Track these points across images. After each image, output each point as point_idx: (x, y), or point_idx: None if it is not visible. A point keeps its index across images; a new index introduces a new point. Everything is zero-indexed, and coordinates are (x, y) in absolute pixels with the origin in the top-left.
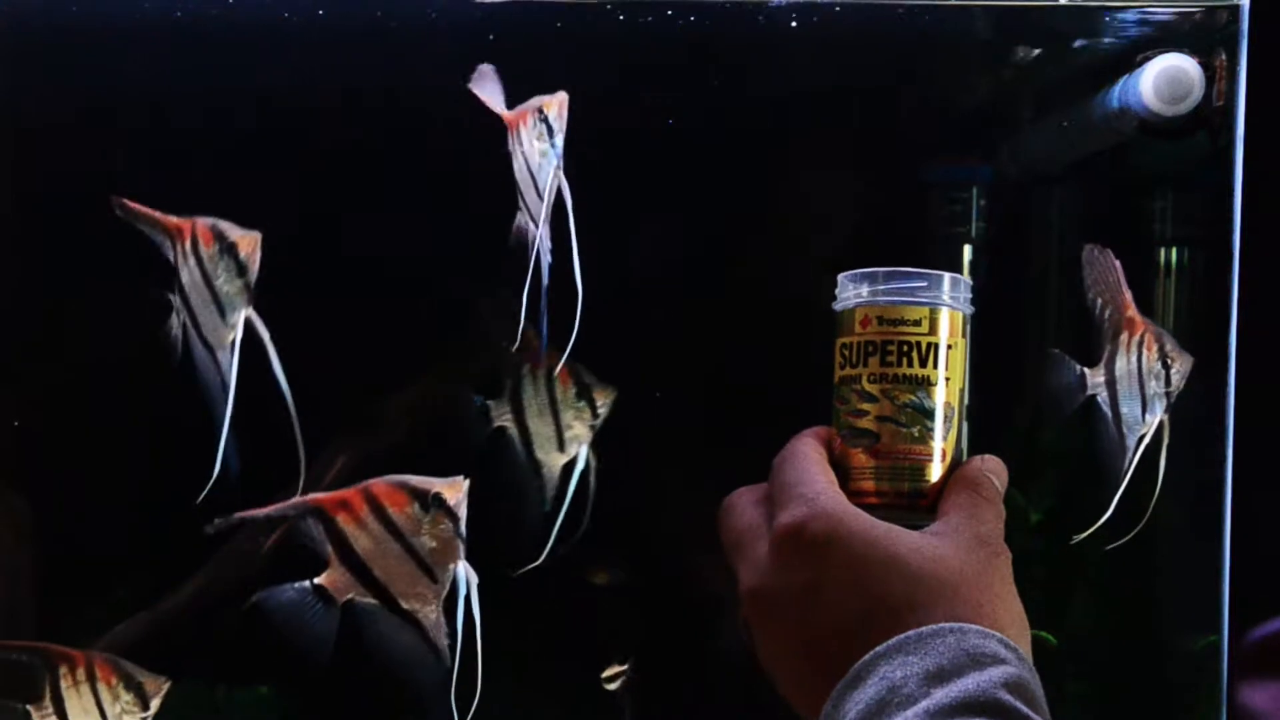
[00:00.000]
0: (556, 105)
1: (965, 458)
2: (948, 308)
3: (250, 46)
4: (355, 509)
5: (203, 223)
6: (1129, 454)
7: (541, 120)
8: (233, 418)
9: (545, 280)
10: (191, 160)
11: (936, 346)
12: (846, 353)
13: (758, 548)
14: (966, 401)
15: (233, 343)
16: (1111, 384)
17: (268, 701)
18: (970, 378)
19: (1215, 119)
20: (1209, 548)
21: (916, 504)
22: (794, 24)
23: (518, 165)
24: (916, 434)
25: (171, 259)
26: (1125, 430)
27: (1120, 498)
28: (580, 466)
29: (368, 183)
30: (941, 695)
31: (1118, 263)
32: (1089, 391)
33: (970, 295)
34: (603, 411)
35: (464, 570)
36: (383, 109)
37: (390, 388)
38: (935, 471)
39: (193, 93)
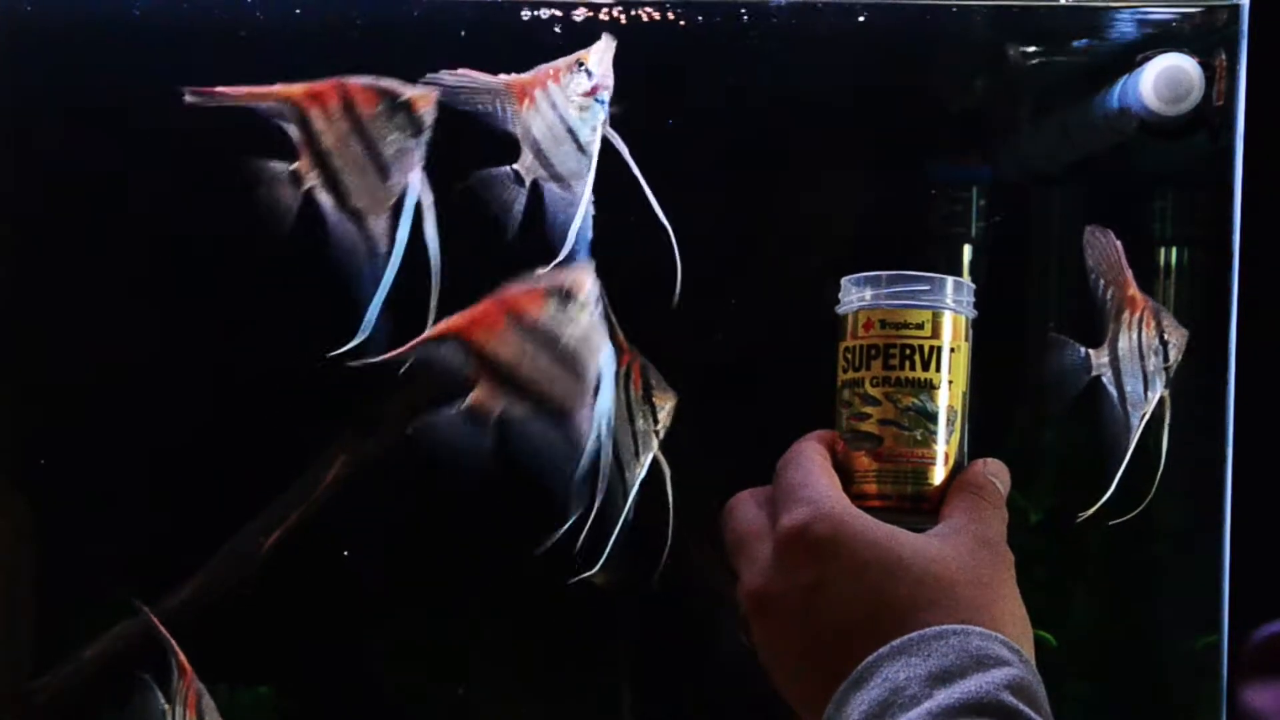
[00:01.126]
0: (598, 53)
1: (968, 460)
2: (950, 311)
3: (250, 46)
4: (494, 322)
5: (356, 82)
6: (1134, 432)
7: (582, 71)
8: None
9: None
10: (191, 160)
11: (939, 350)
12: (849, 356)
13: (761, 549)
14: (969, 404)
15: (394, 206)
16: (1115, 363)
17: (268, 701)
18: (972, 379)
19: (1215, 119)
20: (1209, 547)
21: (919, 507)
22: (795, 23)
23: (543, 127)
24: (919, 437)
25: (294, 129)
26: (1130, 409)
27: (1125, 478)
28: (641, 473)
29: None
30: (944, 697)
31: (1119, 243)
32: (1094, 373)
33: (973, 299)
34: (663, 418)
35: (606, 354)
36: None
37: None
38: (938, 474)
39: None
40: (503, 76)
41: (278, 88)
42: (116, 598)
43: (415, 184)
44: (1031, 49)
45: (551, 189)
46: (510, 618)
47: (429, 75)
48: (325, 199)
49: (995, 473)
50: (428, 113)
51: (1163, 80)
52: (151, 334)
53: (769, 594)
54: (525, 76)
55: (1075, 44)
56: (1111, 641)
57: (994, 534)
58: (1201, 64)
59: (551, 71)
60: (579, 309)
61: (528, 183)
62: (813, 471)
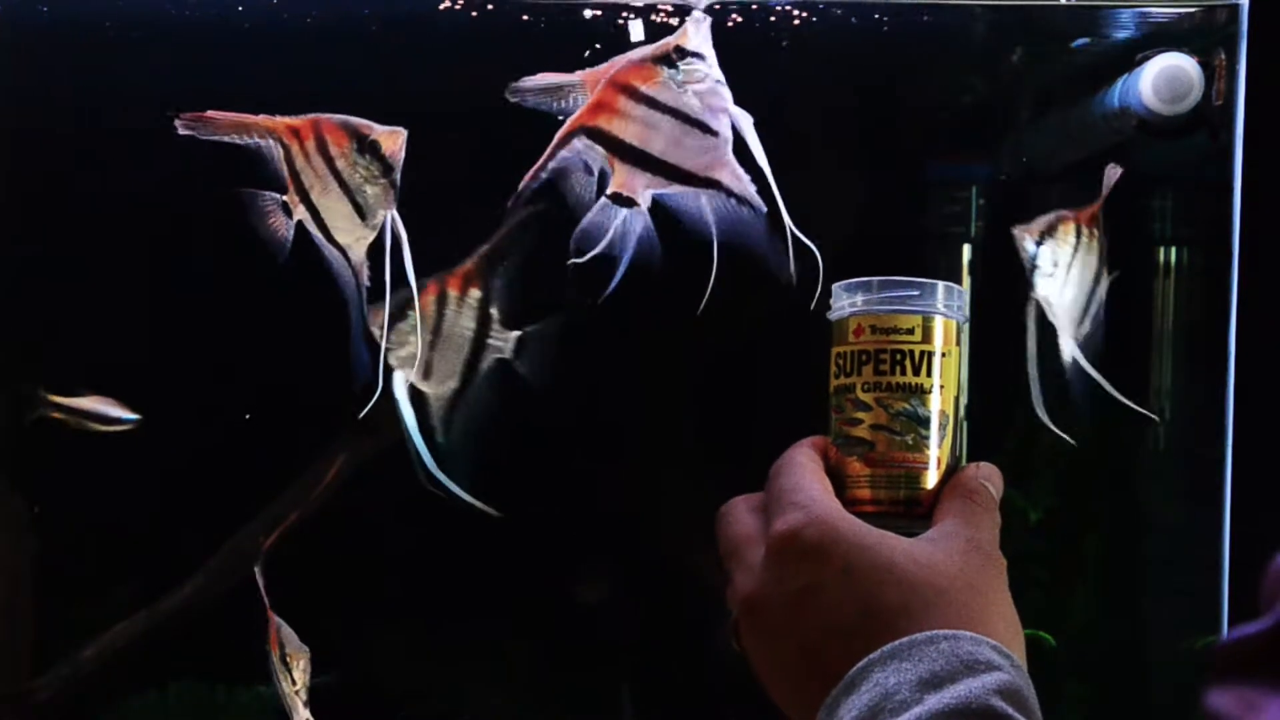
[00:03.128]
0: (693, 31)
1: (964, 464)
2: (941, 316)
3: (250, 47)
4: (612, 105)
5: (329, 120)
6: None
7: (682, 58)
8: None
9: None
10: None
11: (930, 355)
12: (841, 362)
13: (753, 554)
14: (964, 409)
15: (371, 246)
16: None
17: (268, 701)
18: (968, 382)
19: (1215, 119)
20: (1209, 548)
21: (912, 511)
22: (796, 23)
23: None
24: (911, 442)
25: (281, 161)
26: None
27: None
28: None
29: None
30: (935, 701)
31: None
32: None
33: (964, 303)
34: None
35: (736, 111)
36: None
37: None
38: (930, 479)
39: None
40: (578, 73)
41: (262, 119)
42: (116, 597)
43: (387, 223)
44: (1031, 49)
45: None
46: (510, 618)
47: (511, 85)
48: (313, 230)
49: (988, 477)
50: (396, 152)
51: (1162, 80)
52: (152, 334)
53: (761, 599)
54: (618, 71)
55: (1075, 44)
56: (1111, 641)
57: (986, 538)
58: (1201, 63)
59: (636, 72)
60: (691, 64)
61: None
62: (805, 477)
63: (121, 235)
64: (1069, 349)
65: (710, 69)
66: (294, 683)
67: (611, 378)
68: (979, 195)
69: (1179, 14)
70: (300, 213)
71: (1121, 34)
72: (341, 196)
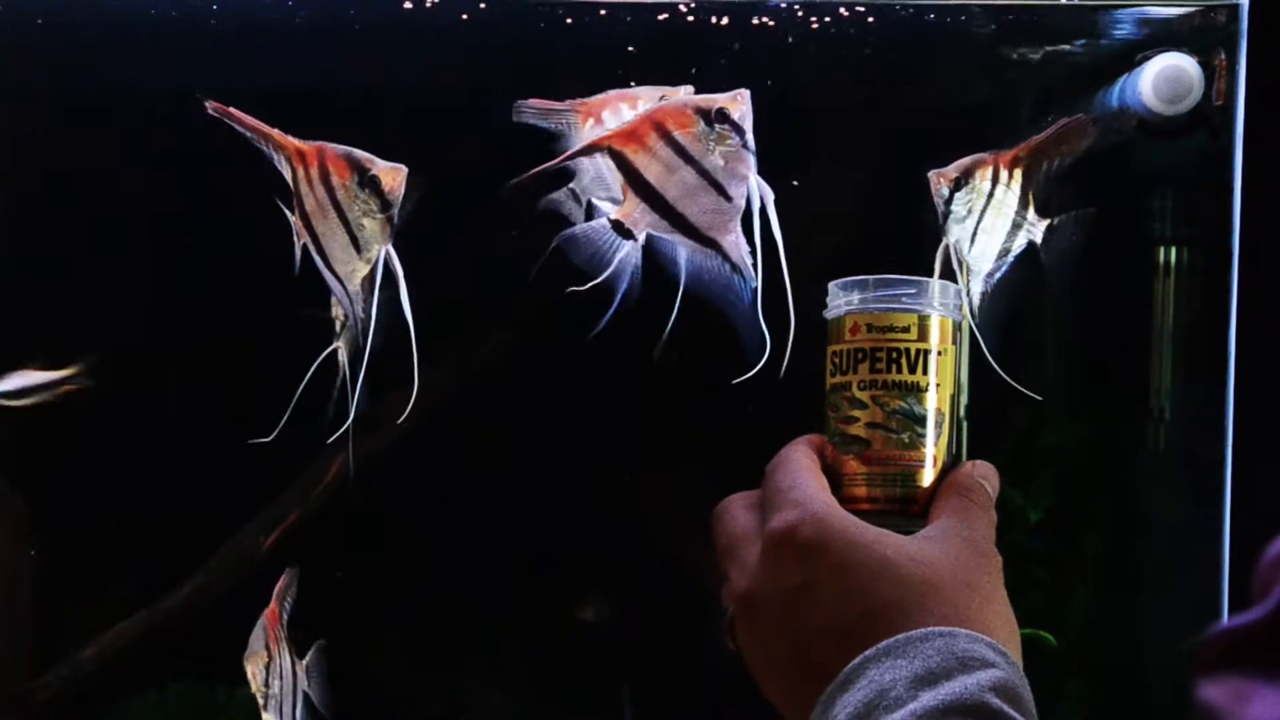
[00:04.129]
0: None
1: (962, 461)
2: (937, 314)
3: (250, 46)
4: (642, 138)
5: (333, 151)
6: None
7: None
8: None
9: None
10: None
11: (926, 353)
12: (837, 360)
13: (750, 552)
14: (962, 406)
15: (366, 278)
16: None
17: None
18: (967, 381)
19: (1215, 119)
20: (1209, 547)
21: (908, 509)
22: (794, 23)
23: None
24: (907, 440)
25: (290, 179)
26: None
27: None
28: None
29: None
30: (929, 698)
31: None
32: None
33: (960, 301)
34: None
35: (756, 184)
36: (388, 107)
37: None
38: (926, 477)
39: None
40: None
41: (276, 134)
42: (116, 597)
43: (382, 258)
44: (1031, 49)
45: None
46: (510, 617)
47: (516, 104)
48: (315, 257)
49: (984, 475)
50: (396, 189)
51: (1162, 80)
52: (152, 334)
53: (757, 596)
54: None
55: (1075, 44)
56: (1111, 641)
57: (982, 536)
58: (1201, 64)
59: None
60: (728, 132)
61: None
62: (801, 475)
63: (121, 235)
64: (977, 294)
65: (744, 139)
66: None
67: (611, 377)
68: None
69: (1179, 14)
70: (304, 237)
71: (1121, 34)
72: (340, 226)
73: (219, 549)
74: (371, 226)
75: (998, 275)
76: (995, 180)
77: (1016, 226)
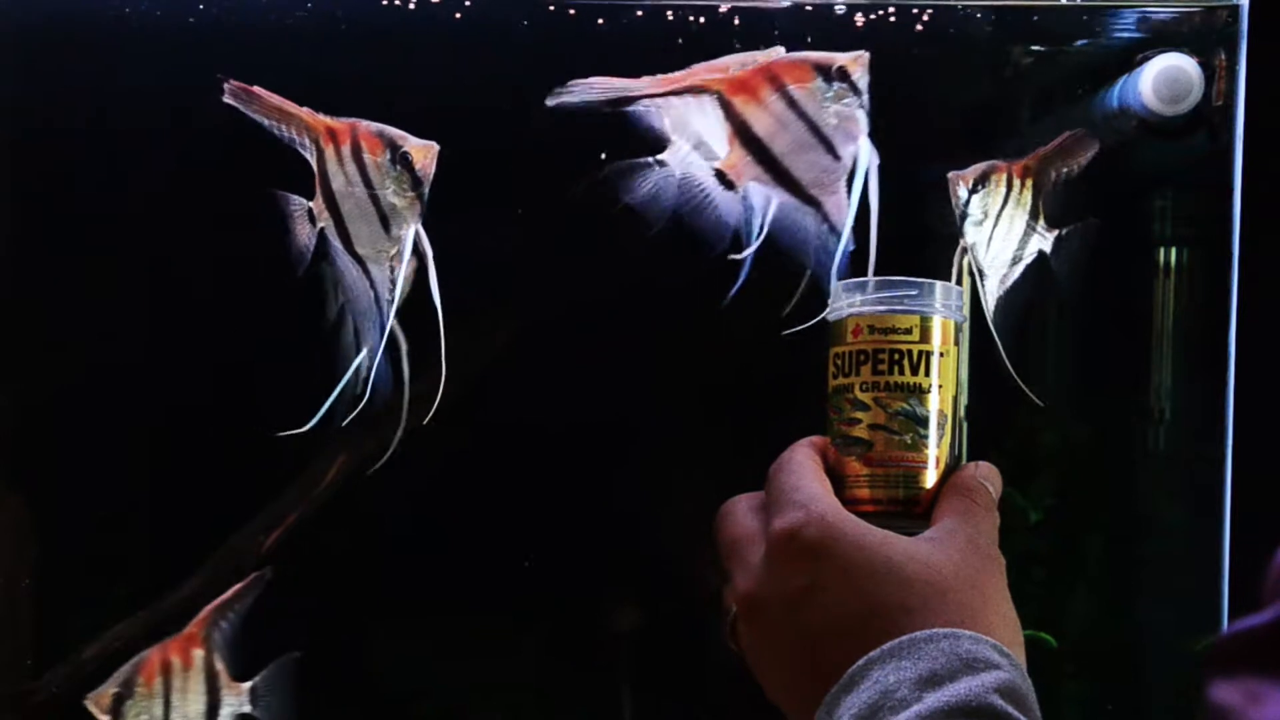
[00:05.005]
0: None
1: (964, 463)
2: (939, 315)
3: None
4: (755, 89)
5: (367, 128)
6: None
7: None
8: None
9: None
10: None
11: (928, 354)
12: (839, 362)
13: (753, 553)
14: (964, 408)
15: (394, 256)
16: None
17: None
18: (969, 382)
19: (1215, 119)
20: (1209, 547)
21: (911, 511)
22: (794, 24)
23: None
24: (909, 441)
25: (313, 162)
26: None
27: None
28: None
29: None
30: (934, 699)
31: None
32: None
33: (962, 303)
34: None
35: (865, 146)
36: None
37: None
38: (929, 478)
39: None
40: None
41: (305, 112)
42: (116, 597)
43: (410, 238)
44: (1031, 49)
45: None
46: (510, 617)
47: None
48: (334, 239)
49: (986, 476)
50: (427, 166)
51: (1162, 80)
52: (152, 334)
53: (760, 597)
54: (739, 72)
55: (1075, 44)
56: (1111, 641)
57: (985, 537)
58: (1201, 64)
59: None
60: (845, 91)
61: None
62: (804, 476)
63: (122, 235)
64: (992, 299)
65: (860, 99)
66: None
67: (611, 377)
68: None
69: (1179, 14)
70: (324, 219)
71: (1121, 34)
72: (370, 204)
73: (219, 549)
74: (402, 204)
75: (1010, 281)
76: (1009, 186)
77: (1028, 234)
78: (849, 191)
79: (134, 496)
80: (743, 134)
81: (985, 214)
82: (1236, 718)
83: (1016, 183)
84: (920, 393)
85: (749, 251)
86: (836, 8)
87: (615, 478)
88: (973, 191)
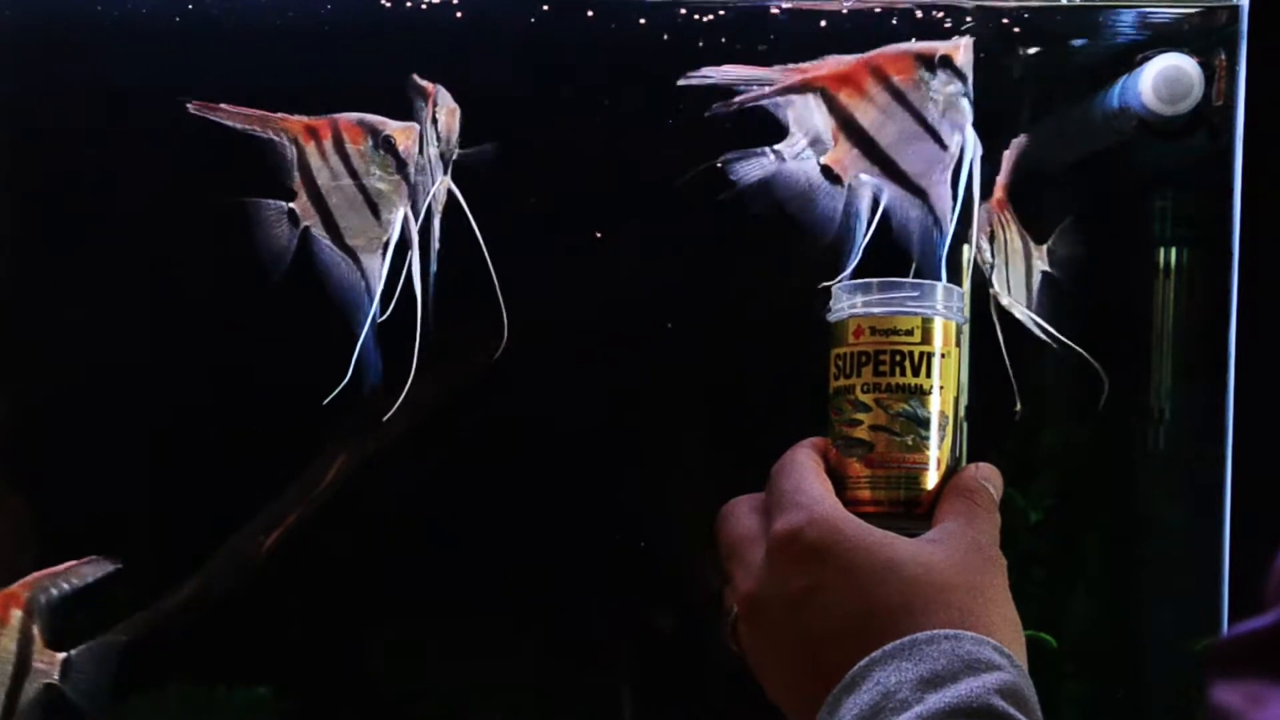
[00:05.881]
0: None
1: (964, 464)
2: (940, 317)
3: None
4: (859, 82)
5: (346, 119)
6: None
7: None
8: (369, 322)
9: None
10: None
11: (929, 356)
12: (840, 363)
13: (754, 554)
14: (964, 409)
15: (386, 243)
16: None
17: (267, 701)
18: (969, 384)
19: (1215, 119)
20: (1209, 547)
21: (912, 512)
22: (793, 23)
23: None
24: (910, 443)
25: (293, 162)
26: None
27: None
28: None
29: None
30: (935, 700)
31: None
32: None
33: (963, 304)
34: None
35: (971, 135)
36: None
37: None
38: (930, 479)
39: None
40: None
41: (278, 116)
42: (116, 597)
43: (398, 222)
44: (1031, 49)
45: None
46: (510, 617)
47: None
48: (321, 236)
49: (988, 477)
50: (410, 147)
51: (1162, 80)
52: (152, 334)
53: (762, 598)
54: (845, 65)
55: (1075, 44)
56: (1111, 641)
57: (986, 538)
58: (1201, 64)
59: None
60: (949, 79)
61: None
62: (806, 477)
63: (122, 235)
64: (1026, 318)
65: (965, 87)
66: None
67: (612, 376)
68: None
69: (1179, 14)
70: (310, 217)
71: (1121, 34)
72: (357, 193)
73: (219, 549)
74: (388, 189)
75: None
76: (1003, 226)
77: (1029, 263)
78: (954, 182)
79: (134, 496)
80: (848, 128)
81: (993, 256)
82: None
83: (999, 217)
84: (922, 394)
85: (860, 244)
86: (844, 8)
87: (616, 477)
88: (991, 242)
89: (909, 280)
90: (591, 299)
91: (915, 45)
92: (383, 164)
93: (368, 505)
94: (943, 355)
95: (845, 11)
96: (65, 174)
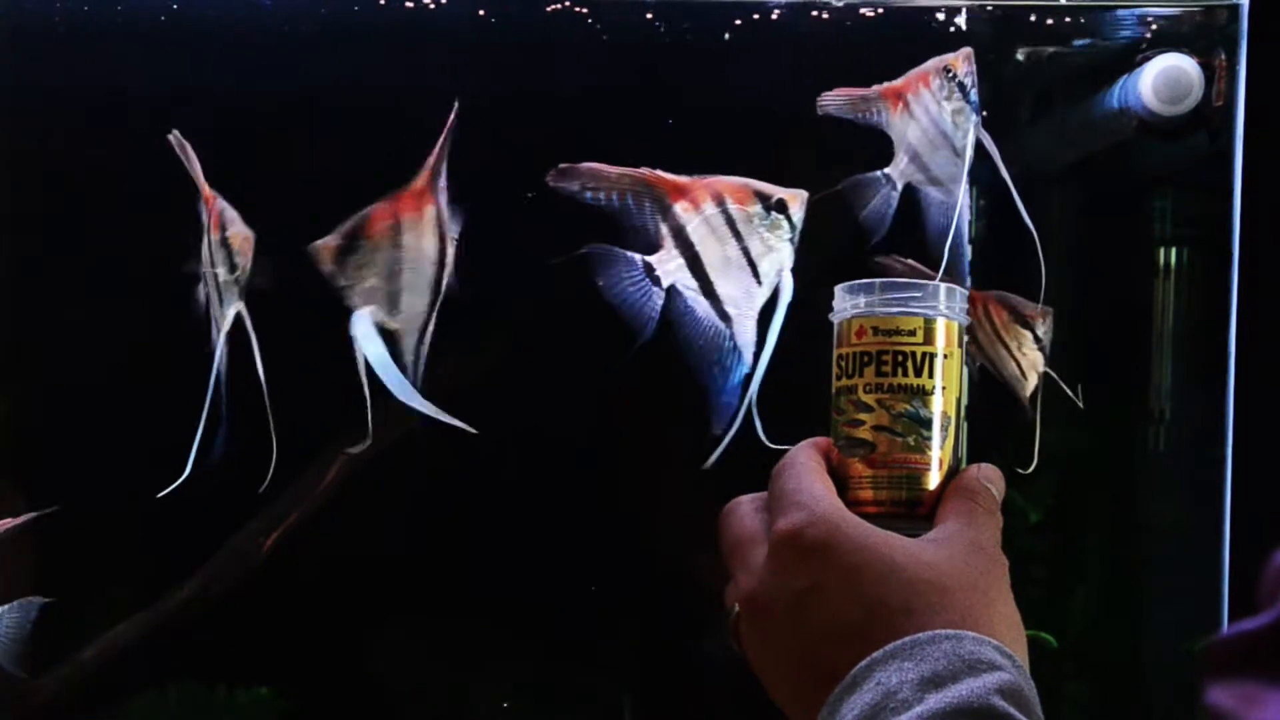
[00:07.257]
0: (964, 61)
1: (965, 465)
2: (943, 317)
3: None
4: (696, 196)
5: (218, 206)
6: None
7: (950, 79)
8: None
9: (966, 249)
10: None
11: (932, 356)
12: (843, 363)
13: (756, 553)
14: (965, 410)
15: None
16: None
17: (268, 702)
18: (969, 385)
19: (1215, 119)
20: (1209, 548)
21: (914, 512)
22: (793, 23)
23: (918, 132)
24: (913, 443)
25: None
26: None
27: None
28: None
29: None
30: (936, 701)
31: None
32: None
33: (966, 305)
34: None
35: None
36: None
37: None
38: (932, 480)
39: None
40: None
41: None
42: (116, 597)
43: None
44: (1031, 49)
45: (930, 193)
46: (510, 616)
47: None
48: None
49: (990, 478)
50: (246, 250)
51: (1162, 80)
52: (152, 334)
53: (763, 598)
54: (898, 83)
55: (1075, 44)
56: (1111, 642)
57: (988, 539)
58: (1201, 64)
59: (920, 77)
60: (778, 223)
61: (900, 187)
62: (807, 477)
63: (122, 235)
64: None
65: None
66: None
67: (612, 376)
68: (979, 195)
69: (1179, 14)
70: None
71: (1121, 34)
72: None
73: (219, 549)
74: (228, 282)
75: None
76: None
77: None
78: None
79: (134, 496)
80: (678, 237)
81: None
82: None
83: (985, 314)
84: (924, 394)
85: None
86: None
87: (617, 477)
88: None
89: (912, 280)
90: (591, 299)
91: (756, 184)
92: (223, 259)
93: (368, 505)
94: (945, 356)
95: (841, 5)
96: (65, 174)
